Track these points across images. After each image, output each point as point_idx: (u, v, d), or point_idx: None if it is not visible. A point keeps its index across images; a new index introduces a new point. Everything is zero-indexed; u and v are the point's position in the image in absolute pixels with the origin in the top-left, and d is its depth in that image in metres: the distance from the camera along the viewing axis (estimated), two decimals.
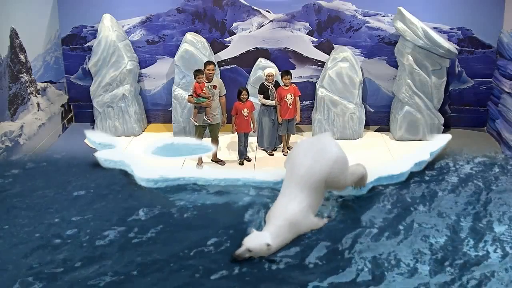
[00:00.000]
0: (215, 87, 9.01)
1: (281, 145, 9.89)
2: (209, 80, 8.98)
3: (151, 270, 6.33)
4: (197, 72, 8.93)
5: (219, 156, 9.44)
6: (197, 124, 9.10)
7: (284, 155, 9.69)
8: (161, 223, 7.35)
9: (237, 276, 6.24)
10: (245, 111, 9.14)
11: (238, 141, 9.39)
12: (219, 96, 9.12)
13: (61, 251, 6.70)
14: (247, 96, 9.18)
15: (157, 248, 6.77)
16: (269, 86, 9.42)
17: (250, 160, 9.47)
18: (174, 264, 6.43)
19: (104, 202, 7.97)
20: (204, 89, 8.90)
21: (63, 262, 6.46)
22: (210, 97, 8.93)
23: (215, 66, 9.22)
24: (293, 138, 10.04)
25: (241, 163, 9.36)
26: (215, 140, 9.34)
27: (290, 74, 9.47)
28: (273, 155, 9.71)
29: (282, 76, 9.49)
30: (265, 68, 9.94)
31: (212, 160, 9.37)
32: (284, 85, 9.44)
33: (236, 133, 9.34)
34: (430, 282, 6.10)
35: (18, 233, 7.10)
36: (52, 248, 6.75)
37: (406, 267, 6.40)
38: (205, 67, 8.99)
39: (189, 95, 9.13)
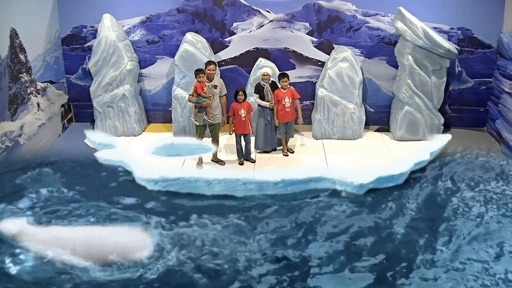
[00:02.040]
0: (215, 86, 9.00)
1: (280, 147, 9.80)
2: (210, 80, 8.97)
3: None
4: (198, 72, 8.92)
5: (219, 156, 9.43)
6: (198, 124, 9.09)
7: (284, 155, 9.67)
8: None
9: None
10: (242, 112, 9.10)
11: (236, 141, 9.35)
12: (220, 96, 9.11)
13: None
14: (243, 97, 9.13)
15: None
16: (264, 86, 9.35)
17: (254, 162, 9.39)
18: None
19: (103, 201, 7.97)
20: (205, 88, 8.88)
21: None
22: (211, 97, 8.92)
23: (216, 66, 9.22)
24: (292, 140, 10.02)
25: (241, 163, 9.34)
26: (216, 140, 9.32)
27: (287, 76, 9.39)
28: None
29: (279, 79, 9.42)
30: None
31: (212, 160, 9.36)
32: (282, 87, 9.38)
33: (233, 134, 9.31)
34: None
35: None
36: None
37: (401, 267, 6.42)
38: (206, 67, 8.99)
39: (189, 95, 9.11)
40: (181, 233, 7.06)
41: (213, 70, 8.96)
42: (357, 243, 6.91)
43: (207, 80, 8.96)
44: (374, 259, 6.59)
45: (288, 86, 9.42)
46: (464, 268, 6.34)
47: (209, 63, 9.06)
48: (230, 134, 9.32)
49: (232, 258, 6.55)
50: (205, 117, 9.00)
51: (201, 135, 9.24)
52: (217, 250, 6.72)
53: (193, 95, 8.95)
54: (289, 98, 9.35)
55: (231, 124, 9.21)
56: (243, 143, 9.35)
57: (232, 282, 6.16)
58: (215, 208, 7.83)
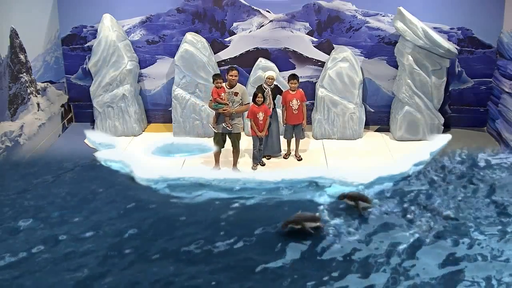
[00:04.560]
0: (236, 94, 8.60)
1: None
2: (231, 86, 8.63)
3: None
4: (215, 77, 8.66)
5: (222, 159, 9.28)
6: (216, 131, 8.78)
7: (284, 157, 9.56)
8: (156, 222, 7.40)
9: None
10: (260, 115, 8.91)
11: (253, 145, 9.16)
12: (242, 105, 8.67)
13: (57, 248, 6.75)
14: (262, 99, 8.89)
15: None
16: (266, 89, 9.20)
17: (264, 165, 9.26)
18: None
19: (103, 201, 7.98)
20: (223, 95, 8.55)
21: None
22: (228, 104, 8.58)
23: (238, 72, 8.77)
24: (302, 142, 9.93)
25: (254, 168, 9.12)
26: (236, 151, 8.92)
27: (297, 78, 9.22)
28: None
29: (288, 80, 9.30)
30: (265, 69, 9.89)
31: (232, 169, 8.97)
32: (290, 89, 9.25)
33: (251, 136, 9.17)
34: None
35: (16, 230, 7.13)
36: (49, 247, 6.79)
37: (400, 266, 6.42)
38: (227, 73, 8.67)
39: (210, 100, 8.79)
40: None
41: (235, 76, 8.58)
42: (356, 243, 6.91)
43: (228, 87, 8.63)
44: (372, 259, 6.60)
45: (297, 88, 9.27)
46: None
47: (231, 69, 8.69)
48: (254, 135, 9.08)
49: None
50: (223, 124, 8.66)
51: (219, 143, 8.87)
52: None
53: (211, 101, 8.67)
54: (297, 100, 9.20)
55: (252, 126, 8.97)
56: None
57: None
58: (213, 208, 7.85)
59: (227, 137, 8.87)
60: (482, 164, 9.05)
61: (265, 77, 9.31)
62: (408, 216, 7.46)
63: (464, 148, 9.61)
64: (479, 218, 7.40)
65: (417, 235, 6.95)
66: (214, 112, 8.75)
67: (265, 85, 9.26)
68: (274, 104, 9.37)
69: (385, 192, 8.17)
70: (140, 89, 11.09)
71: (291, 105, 9.22)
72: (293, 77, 9.25)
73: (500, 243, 6.77)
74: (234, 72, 8.63)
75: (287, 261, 6.51)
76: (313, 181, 8.48)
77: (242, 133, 10.01)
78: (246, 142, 9.66)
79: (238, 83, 8.73)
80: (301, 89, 9.41)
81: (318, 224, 7.07)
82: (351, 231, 7.13)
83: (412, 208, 7.65)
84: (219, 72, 8.80)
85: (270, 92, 9.20)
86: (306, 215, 7.13)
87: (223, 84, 8.66)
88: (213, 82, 8.72)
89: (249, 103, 8.83)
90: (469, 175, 8.69)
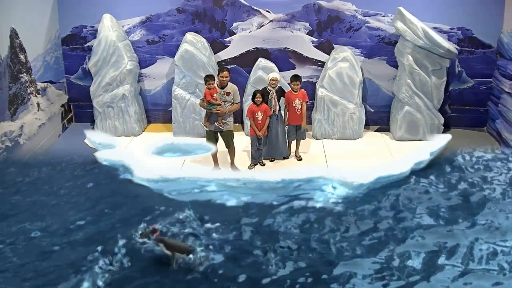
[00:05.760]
0: (228, 93, 8.66)
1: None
2: (222, 86, 8.68)
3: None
4: (207, 78, 8.66)
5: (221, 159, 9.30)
6: (207, 130, 8.83)
7: (284, 157, 9.58)
8: (156, 222, 7.36)
9: None
10: (259, 115, 8.95)
11: (251, 144, 9.18)
12: (233, 104, 8.76)
13: (55, 249, 6.75)
14: (261, 99, 8.90)
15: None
16: (270, 91, 9.15)
17: (264, 165, 9.27)
18: None
19: (103, 201, 7.98)
20: (215, 95, 8.60)
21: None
22: (221, 104, 8.65)
23: (229, 73, 8.76)
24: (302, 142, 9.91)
25: (250, 167, 9.17)
26: (230, 150, 8.98)
27: (299, 79, 9.19)
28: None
29: (291, 81, 9.25)
30: (265, 69, 9.87)
31: (231, 168, 9.06)
32: (293, 90, 9.23)
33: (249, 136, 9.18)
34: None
35: (17, 231, 7.12)
36: (47, 250, 6.78)
37: (402, 267, 6.42)
38: (218, 73, 8.72)
39: (201, 100, 8.88)
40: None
41: (226, 77, 8.61)
42: (355, 243, 6.92)
43: (219, 87, 8.71)
44: (373, 258, 6.61)
45: (300, 88, 9.23)
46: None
47: (222, 70, 8.72)
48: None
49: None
50: (216, 123, 8.72)
51: (212, 141, 8.92)
52: None
53: (203, 101, 8.73)
54: (300, 101, 9.19)
55: (251, 126, 9.02)
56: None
57: None
58: (213, 208, 7.85)
59: (219, 135, 8.93)
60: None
61: (269, 79, 9.24)
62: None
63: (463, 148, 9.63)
64: None
65: None
66: (205, 111, 8.81)
67: (269, 87, 9.19)
68: (280, 107, 9.32)
69: None
70: (140, 89, 11.09)
71: (294, 105, 9.20)
72: (296, 78, 9.21)
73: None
74: (225, 73, 8.65)
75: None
76: (313, 181, 8.49)
77: (242, 133, 10.06)
78: (247, 142, 9.66)
79: (229, 82, 8.77)
80: (303, 90, 9.40)
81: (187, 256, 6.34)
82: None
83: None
84: (218, 72, 8.78)
85: (274, 94, 9.15)
86: (180, 245, 6.40)
87: (215, 85, 8.70)
88: (205, 84, 8.72)
89: (239, 102, 8.93)
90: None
